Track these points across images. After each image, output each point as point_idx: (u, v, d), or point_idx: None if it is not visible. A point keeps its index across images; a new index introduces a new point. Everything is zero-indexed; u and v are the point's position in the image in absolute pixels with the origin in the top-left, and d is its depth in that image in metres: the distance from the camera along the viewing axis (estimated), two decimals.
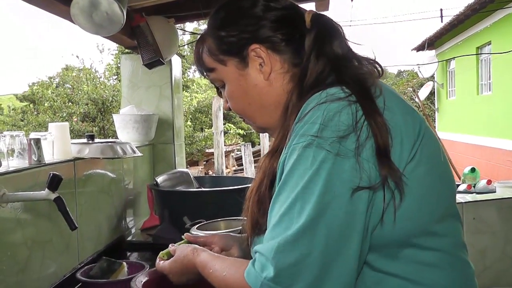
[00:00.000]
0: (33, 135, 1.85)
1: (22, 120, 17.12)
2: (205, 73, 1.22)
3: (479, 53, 11.45)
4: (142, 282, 1.64)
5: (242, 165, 10.84)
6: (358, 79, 1.03)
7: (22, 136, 1.74)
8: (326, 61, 1.07)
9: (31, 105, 17.83)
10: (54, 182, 1.47)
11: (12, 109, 19.99)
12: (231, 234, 1.35)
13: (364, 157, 0.92)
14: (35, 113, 16.39)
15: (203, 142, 14.99)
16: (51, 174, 1.49)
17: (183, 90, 3.34)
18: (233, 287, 1.02)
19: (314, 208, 0.89)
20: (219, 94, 1.28)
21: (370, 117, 0.95)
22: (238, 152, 12.50)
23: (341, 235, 0.89)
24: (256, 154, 11.17)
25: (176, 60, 3.36)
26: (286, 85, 1.13)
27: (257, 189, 1.08)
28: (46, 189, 1.48)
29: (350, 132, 0.93)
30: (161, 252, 1.39)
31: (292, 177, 0.94)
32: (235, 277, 1.02)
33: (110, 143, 2.22)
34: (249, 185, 1.34)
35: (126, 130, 2.95)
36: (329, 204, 0.90)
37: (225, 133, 11.30)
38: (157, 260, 1.37)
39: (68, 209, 1.49)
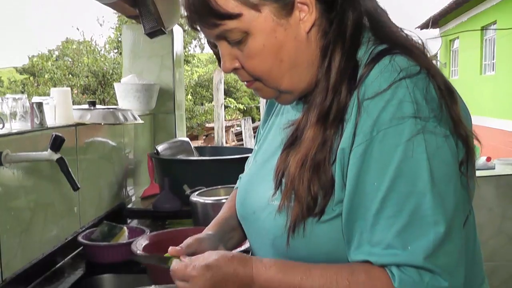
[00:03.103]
0: (36, 99, 1.86)
1: (22, 92, 17.08)
2: (215, 22, 0.94)
3: (485, 28, 11.37)
4: (143, 245, 1.68)
5: (242, 140, 10.86)
6: (408, 45, 0.96)
7: (25, 99, 1.76)
8: (361, 15, 0.97)
9: (31, 78, 17.80)
10: (56, 143, 1.49)
11: (12, 81, 19.95)
12: (212, 234, 1.17)
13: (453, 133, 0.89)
14: (35, 84, 16.36)
15: (203, 116, 14.99)
16: (54, 135, 1.51)
17: (184, 64, 3.35)
18: None
19: (451, 201, 0.86)
20: (217, 57, 1.08)
21: (447, 91, 0.91)
22: (238, 128, 12.50)
23: (461, 217, 0.90)
24: (256, 129, 11.09)
25: (177, 31, 3.36)
26: (319, 41, 0.97)
27: (309, 163, 0.93)
28: (49, 149, 1.50)
29: (441, 109, 0.88)
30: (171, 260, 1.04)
31: (406, 167, 0.85)
32: None
33: (111, 110, 2.24)
34: (249, 154, 1.29)
35: (128, 99, 2.96)
36: (455, 192, 0.87)
37: (225, 107, 11.29)
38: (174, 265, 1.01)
39: (70, 169, 1.51)
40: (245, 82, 1.03)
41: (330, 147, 0.92)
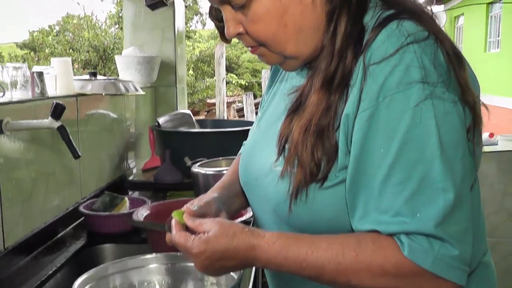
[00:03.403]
0: (36, 68, 1.86)
1: None
2: None
3: (491, 3, 11.27)
4: (144, 215, 1.70)
5: (243, 116, 10.85)
6: (416, 10, 0.93)
7: (25, 68, 1.75)
8: None
9: (32, 53, 17.74)
10: (57, 111, 1.49)
11: (13, 57, 19.89)
12: (218, 197, 1.15)
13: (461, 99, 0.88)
14: (36, 59, 16.31)
15: (205, 92, 14.96)
16: (54, 103, 1.51)
17: (185, 40, 3.32)
18: (373, 272, 0.86)
19: (459, 168, 0.85)
20: (219, 30, 1.08)
21: (455, 57, 0.90)
22: (240, 104, 12.49)
23: (469, 185, 0.89)
24: (258, 105, 11.10)
25: (179, 3, 3.33)
26: (324, 6, 0.95)
27: (313, 128, 0.92)
28: (50, 117, 1.50)
29: (449, 75, 0.87)
30: (174, 212, 1.03)
31: (414, 134, 0.84)
32: (375, 261, 0.86)
33: (112, 80, 2.24)
34: (250, 127, 1.28)
35: (129, 71, 2.95)
36: (463, 158, 0.86)
37: (227, 83, 11.26)
38: (173, 224, 1.00)
39: (71, 138, 1.51)
40: (250, 48, 1.01)
41: (335, 113, 0.91)
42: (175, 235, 0.97)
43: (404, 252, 0.83)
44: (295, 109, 0.98)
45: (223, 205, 1.14)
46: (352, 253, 0.86)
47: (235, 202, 1.21)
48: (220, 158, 2.22)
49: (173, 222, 0.99)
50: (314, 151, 0.92)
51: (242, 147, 1.29)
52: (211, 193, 1.17)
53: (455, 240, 0.83)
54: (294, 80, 1.07)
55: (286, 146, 0.97)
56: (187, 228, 0.98)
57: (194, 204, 1.06)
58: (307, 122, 0.93)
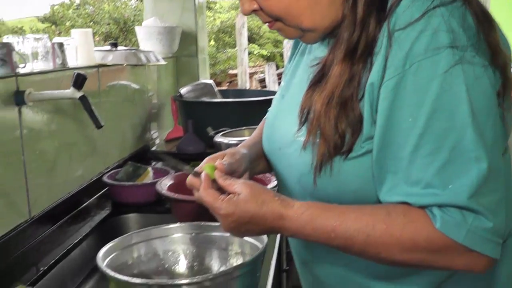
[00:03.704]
0: (57, 39, 1.85)
1: None
2: None
3: None
4: (167, 185, 1.69)
5: (265, 87, 10.80)
6: None
7: (46, 39, 1.75)
8: None
9: (53, 26, 17.78)
10: (78, 80, 1.48)
11: (34, 30, 19.98)
12: (246, 153, 1.13)
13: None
14: (57, 32, 16.36)
15: (227, 63, 14.90)
16: (76, 73, 1.50)
17: (206, 10, 3.27)
18: (403, 245, 0.83)
19: (491, 136, 0.81)
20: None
21: (485, 19, 0.86)
22: (262, 74, 12.41)
23: (500, 153, 0.85)
24: (280, 76, 11.08)
25: None
26: None
27: (336, 100, 0.90)
28: (71, 87, 1.49)
29: (478, 38, 0.83)
30: (205, 165, 1.01)
31: (444, 101, 0.81)
32: (405, 234, 0.83)
33: (133, 50, 2.23)
34: (273, 96, 1.27)
35: (150, 42, 2.94)
36: (494, 126, 0.83)
37: (248, 53, 11.19)
38: (202, 178, 0.97)
39: (93, 107, 1.51)
40: (267, 24, 0.99)
41: (358, 83, 0.89)
42: (204, 192, 0.94)
43: (436, 225, 0.81)
44: (318, 80, 0.96)
45: (250, 164, 1.13)
46: (382, 225, 0.83)
47: (260, 164, 1.19)
48: (243, 127, 2.21)
49: (203, 175, 0.97)
50: (338, 123, 0.89)
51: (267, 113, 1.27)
52: (242, 149, 1.15)
53: (489, 212, 0.80)
54: (317, 51, 1.04)
55: (309, 117, 0.95)
56: (215, 183, 0.96)
57: (226, 160, 1.04)
58: (330, 94, 0.91)
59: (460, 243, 0.80)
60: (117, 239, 1.21)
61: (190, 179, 1.02)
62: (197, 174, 1.00)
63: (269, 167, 1.18)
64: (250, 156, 1.15)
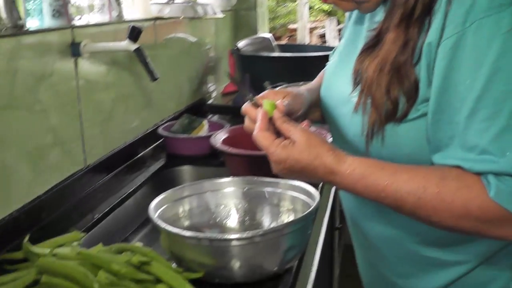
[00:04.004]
0: None
1: None
2: None
3: None
4: (222, 139, 1.68)
5: (325, 42, 10.63)
6: None
7: None
8: None
9: None
10: (134, 33, 1.47)
11: None
12: (307, 97, 1.12)
13: None
14: None
15: (287, 17, 14.72)
16: (131, 25, 1.49)
17: None
18: (455, 211, 0.80)
19: None
20: None
21: None
22: (322, 30, 12.21)
23: None
24: (341, 31, 10.77)
25: None
26: None
27: (388, 67, 0.87)
28: (127, 39, 1.48)
29: None
30: (265, 101, 0.97)
31: (505, 63, 0.76)
32: (458, 200, 0.79)
33: (190, 3, 2.20)
34: (330, 51, 1.26)
35: None
36: None
37: (309, 8, 10.99)
38: (259, 116, 0.95)
39: (148, 60, 1.50)
40: None
41: (413, 47, 0.85)
42: (259, 133, 0.93)
43: (490, 194, 0.76)
44: (371, 46, 0.93)
45: (308, 109, 1.11)
46: (434, 188, 0.80)
47: (316, 112, 1.18)
48: (300, 83, 2.16)
49: (260, 114, 0.95)
50: (390, 90, 0.86)
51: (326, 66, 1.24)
52: (304, 91, 1.13)
53: None
54: (377, 16, 0.99)
55: (360, 82, 0.93)
56: (271, 122, 0.95)
57: (287, 100, 1.02)
58: (382, 61, 0.88)
59: None
60: (169, 190, 1.21)
61: (246, 106, 1.01)
62: (255, 105, 0.99)
63: (321, 120, 1.17)
64: (311, 100, 1.13)
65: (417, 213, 0.83)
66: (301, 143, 0.89)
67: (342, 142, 1.05)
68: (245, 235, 0.97)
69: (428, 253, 0.99)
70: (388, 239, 1.03)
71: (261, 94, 1.03)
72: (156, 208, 1.14)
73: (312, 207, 1.07)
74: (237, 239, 0.97)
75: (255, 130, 0.94)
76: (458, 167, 0.80)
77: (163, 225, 1.02)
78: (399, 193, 0.82)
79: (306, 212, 1.05)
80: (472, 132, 0.78)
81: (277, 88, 2.03)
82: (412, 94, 0.85)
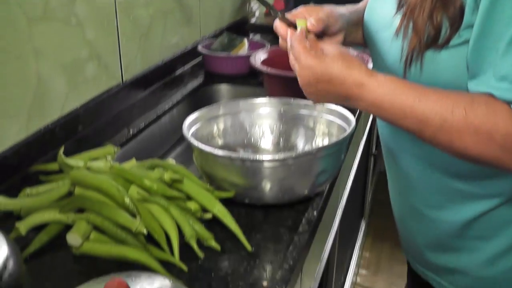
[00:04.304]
0: None
1: None
2: None
3: None
4: (262, 59, 1.64)
5: None
6: None
7: None
8: None
9: None
10: None
11: None
12: (346, 15, 1.08)
13: None
14: None
15: None
16: None
17: None
18: (479, 136, 0.77)
19: None
20: None
21: None
22: None
23: None
24: None
25: None
26: None
27: None
28: None
29: None
30: (298, 20, 0.95)
31: None
32: (484, 125, 0.76)
33: None
34: None
35: None
36: None
37: None
38: (290, 40, 0.93)
39: None
40: None
41: None
42: (297, 40, 0.91)
43: None
44: None
45: (347, 26, 1.06)
46: (462, 111, 0.77)
47: (358, 32, 1.13)
48: (345, 4, 2.08)
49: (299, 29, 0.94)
50: (433, 15, 0.82)
51: None
52: (341, 9, 1.08)
53: None
54: None
55: (404, 5, 0.88)
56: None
57: (320, 15, 0.97)
58: None
59: None
60: (203, 108, 1.20)
61: (276, 23, 0.99)
62: (286, 20, 0.97)
63: (361, 43, 1.14)
64: (350, 18, 1.08)
65: (439, 136, 0.80)
66: (334, 53, 0.88)
67: (381, 69, 1.01)
68: (277, 156, 0.95)
69: (457, 186, 0.97)
70: (420, 169, 1.02)
71: (293, 11, 0.99)
72: (190, 125, 1.13)
73: (347, 132, 1.05)
74: (270, 160, 0.95)
75: (292, 38, 0.92)
76: (490, 94, 0.77)
77: (195, 143, 1.01)
78: (426, 112, 0.79)
79: (340, 137, 1.03)
80: (509, 60, 0.74)
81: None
82: (456, 20, 0.81)
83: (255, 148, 1.25)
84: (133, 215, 0.90)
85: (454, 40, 0.82)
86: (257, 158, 0.96)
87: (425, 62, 0.86)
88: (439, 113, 0.78)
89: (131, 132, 1.39)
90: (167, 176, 0.97)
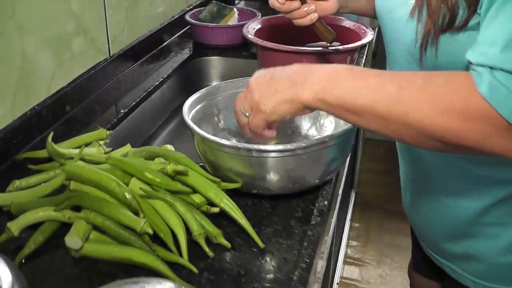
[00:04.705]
0: None
1: None
2: None
3: None
4: (255, 29, 1.56)
5: None
6: None
7: None
8: None
9: None
10: None
11: None
12: None
13: None
14: None
15: None
16: None
17: None
18: (436, 104, 0.70)
19: None
20: None
21: None
22: None
23: None
24: None
25: None
26: None
27: None
28: None
29: None
30: None
31: None
32: (441, 92, 0.70)
33: None
34: None
35: None
36: None
37: None
38: None
39: None
40: None
41: None
42: None
43: (480, 88, 0.67)
44: None
45: None
46: (419, 80, 0.71)
47: (359, 2, 1.14)
48: None
49: None
50: None
51: None
52: None
53: None
54: None
55: None
56: None
57: None
58: None
59: (502, 116, 0.66)
60: (203, 90, 1.12)
61: None
62: None
63: (370, 12, 1.15)
64: None
65: (393, 109, 0.72)
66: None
67: (395, 50, 0.98)
68: (288, 147, 0.89)
69: (476, 171, 0.94)
70: (436, 156, 0.98)
71: None
72: (190, 108, 1.06)
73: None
74: (279, 150, 0.89)
75: None
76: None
77: (199, 131, 0.94)
78: (381, 83, 0.73)
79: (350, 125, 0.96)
80: (495, 24, 0.70)
81: None
82: (473, 1, 0.76)
83: None
84: (136, 213, 0.84)
85: (473, 21, 0.78)
86: (266, 149, 0.90)
87: (441, 45, 0.82)
88: (395, 82, 0.73)
89: (121, 111, 1.32)
90: (170, 168, 0.90)
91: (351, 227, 2.64)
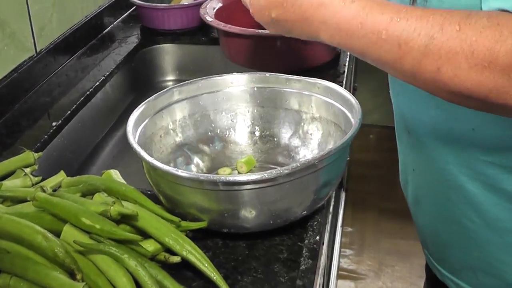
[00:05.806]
0: None
1: None
2: None
3: None
4: (215, 9, 1.51)
5: None
6: None
7: None
8: None
9: None
10: None
11: None
12: None
13: None
14: None
15: None
16: None
17: None
18: (476, 56, 0.67)
19: None
20: None
21: None
22: None
23: None
24: None
25: None
26: None
27: None
28: None
29: None
30: None
31: None
32: (483, 41, 0.66)
33: None
34: None
35: None
36: None
37: None
38: None
39: None
40: None
41: None
42: None
43: None
44: None
45: None
46: (455, 26, 0.67)
47: None
48: None
49: None
50: None
51: None
52: None
53: None
54: None
55: None
56: None
57: None
58: None
59: None
60: (152, 97, 1.03)
61: None
62: None
63: None
64: None
65: (423, 64, 0.70)
66: None
67: None
68: (265, 175, 0.80)
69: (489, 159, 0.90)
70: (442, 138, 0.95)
71: None
72: (136, 125, 0.96)
73: (355, 126, 0.89)
74: (254, 181, 0.80)
75: None
76: (500, 11, 0.68)
77: (148, 158, 0.84)
78: (406, 32, 0.70)
79: (348, 135, 0.87)
80: None
81: None
82: None
83: (225, 142, 1.11)
84: (72, 274, 0.74)
85: None
86: (237, 180, 0.80)
87: None
88: (424, 30, 0.69)
89: (54, 125, 1.24)
90: (114, 210, 0.80)
91: (342, 232, 2.58)
